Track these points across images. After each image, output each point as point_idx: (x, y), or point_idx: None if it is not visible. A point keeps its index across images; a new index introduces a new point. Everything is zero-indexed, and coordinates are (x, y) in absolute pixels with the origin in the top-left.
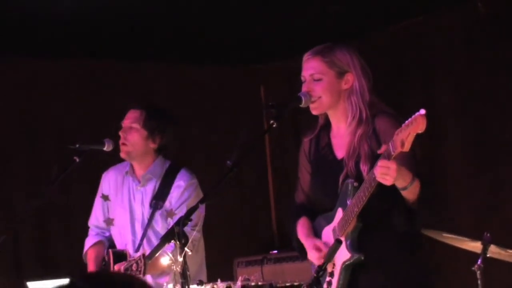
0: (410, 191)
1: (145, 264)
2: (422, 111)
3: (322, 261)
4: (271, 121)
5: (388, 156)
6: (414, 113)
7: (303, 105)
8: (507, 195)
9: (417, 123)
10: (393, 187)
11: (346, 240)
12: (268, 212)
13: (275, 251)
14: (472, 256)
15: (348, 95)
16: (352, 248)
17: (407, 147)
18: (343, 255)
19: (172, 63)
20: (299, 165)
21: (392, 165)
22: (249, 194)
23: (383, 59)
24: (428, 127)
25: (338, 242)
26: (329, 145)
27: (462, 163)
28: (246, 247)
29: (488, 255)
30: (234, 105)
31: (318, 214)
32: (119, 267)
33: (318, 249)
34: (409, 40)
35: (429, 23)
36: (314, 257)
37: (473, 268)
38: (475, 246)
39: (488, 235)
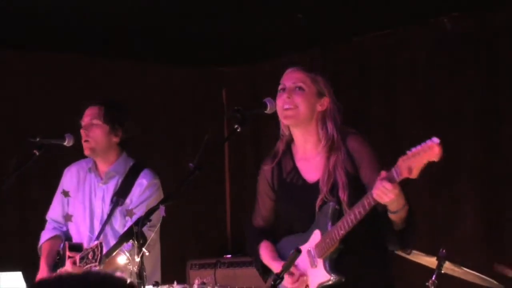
0: (398, 215)
1: (101, 253)
2: (436, 140)
3: (296, 285)
4: (236, 126)
5: (391, 181)
6: (375, 124)
7: (268, 111)
8: (463, 211)
9: (432, 151)
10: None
11: (324, 262)
12: (223, 216)
13: (229, 255)
14: (426, 271)
15: (321, 117)
16: (332, 269)
17: (415, 174)
18: (321, 276)
19: (135, 62)
20: (259, 190)
21: (395, 190)
22: (204, 197)
23: (346, 69)
24: (388, 141)
25: (297, 252)
26: (295, 169)
27: (420, 177)
28: (199, 250)
29: (442, 272)
30: (195, 107)
31: (280, 237)
32: (74, 256)
33: (290, 273)
34: (373, 52)
35: (394, 37)
36: (287, 281)
37: (427, 283)
38: (430, 261)
39: (444, 251)
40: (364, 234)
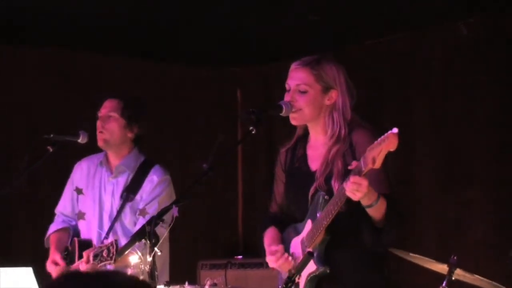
0: (375, 210)
1: (116, 250)
2: (395, 130)
3: (280, 262)
4: (251, 128)
5: (358, 173)
6: (387, 129)
7: (283, 114)
8: (475, 217)
9: (389, 141)
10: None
11: (313, 252)
12: (235, 217)
13: (240, 256)
14: (437, 277)
15: (330, 110)
16: (318, 260)
17: (378, 164)
18: (309, 266)
19: (149, 61)
20: (275, 175)
21: (364, 182)
22: (217, 198)
23: (358, 73)
24: (400, 144)
25: (309, 255)
26: (304, 156)
27: (431, 182)
28: (210, 251)
29: (453, 278)
30: (210, 107)
31: (289, 225)
32: (88, 253)
33: (272, 252)
34: (386, 56)
35: (408, 41)
36: (270, 260)
37: None
38: (441, 268)
39: (455, 258)
40: (352, 228)
